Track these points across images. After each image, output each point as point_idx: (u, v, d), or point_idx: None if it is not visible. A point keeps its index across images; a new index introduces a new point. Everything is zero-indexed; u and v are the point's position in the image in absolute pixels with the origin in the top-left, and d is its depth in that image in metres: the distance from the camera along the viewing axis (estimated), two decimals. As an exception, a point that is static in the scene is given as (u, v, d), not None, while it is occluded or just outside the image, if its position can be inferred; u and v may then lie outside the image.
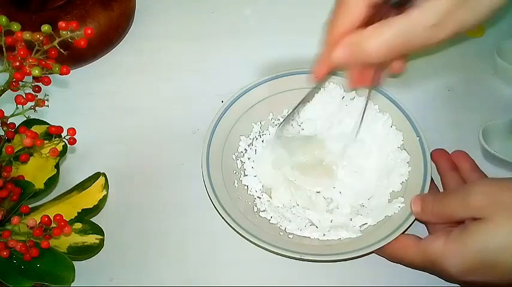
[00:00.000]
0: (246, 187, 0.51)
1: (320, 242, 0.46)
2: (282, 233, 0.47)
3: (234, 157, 0.52)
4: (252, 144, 0.53)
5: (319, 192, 0.51)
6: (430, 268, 0.43)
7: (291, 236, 0.47)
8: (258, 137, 0.54)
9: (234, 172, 0.51)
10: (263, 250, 0.45)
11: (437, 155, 0.51)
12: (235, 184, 0.50)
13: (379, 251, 0.45)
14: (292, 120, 0.54)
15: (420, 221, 0.46)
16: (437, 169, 0.50)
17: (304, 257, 0.44)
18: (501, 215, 0.39)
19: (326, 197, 0.50)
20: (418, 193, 0.46)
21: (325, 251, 0.45)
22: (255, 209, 0.49)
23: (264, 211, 0.49)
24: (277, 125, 0.54)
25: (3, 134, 0.43)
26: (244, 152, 0.52)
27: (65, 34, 0.37)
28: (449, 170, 0.49)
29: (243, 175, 0.51)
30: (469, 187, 0.43)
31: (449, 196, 0.44)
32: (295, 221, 0.48)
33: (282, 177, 0.51)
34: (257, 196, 0.50)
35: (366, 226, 0.47)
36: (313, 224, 0.48)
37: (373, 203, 0.49)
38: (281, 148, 0.52)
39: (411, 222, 0.45)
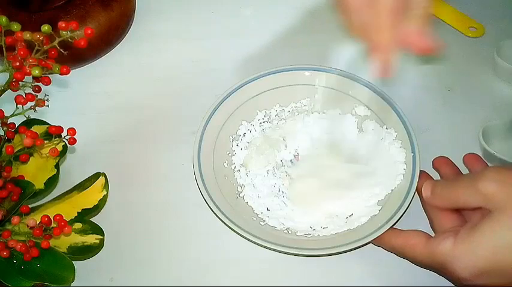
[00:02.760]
0: (233, 167, 0.52)
1: (297, 237, 0.47)
2: (262, 224, 0.48)
3: (231, 139, 0.53)
4: (251, 129, 0.54)
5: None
6: (438, 269, 0.41)
7: (270, 228, 0.48)
8: (260, 124, 0.55)
9: (227, 152, 0.53)
10: (251, 242, 0.46)
11: (439, 163, 0.50)
12: (225, 164, 0.52)
13: (388, 249, 0.45)
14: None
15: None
16: (440, 177, 0.49)
17: (286, 251, 0.44)
18: (510, 207, 0.37)
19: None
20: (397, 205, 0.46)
21: (302, 245, 0.45)
22: (238, 191, 0.51)
23: (244, 194, 0.50)
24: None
25: (3, 134, 0.43)
26: (242, 135, 0.54)
27: (65, 34, 0.37)
28: (453, 175, 0.48)
29: (232, 155, 0.53)
30: (479, 173, 0.40)
31: (458, 180, 0.42)
32: (277, 213, 0.49)
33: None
34: (237, 169, 0.52)
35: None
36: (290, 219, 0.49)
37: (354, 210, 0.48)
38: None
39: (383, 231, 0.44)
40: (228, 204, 0.48)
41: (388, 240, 0.44)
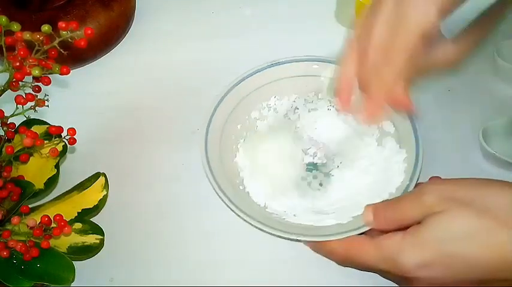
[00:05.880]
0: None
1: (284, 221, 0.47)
2: (262, 206, 0.48)
3: (239, 127, 0.53)
4: (261, 116, 0.55)
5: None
6: (384, 264, 0.41)
7: (268, 210, 0.48)
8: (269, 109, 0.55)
9: (233, 137, 0.53)
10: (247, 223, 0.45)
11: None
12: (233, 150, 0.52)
13: (330, 255, 0.45)
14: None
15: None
16: None
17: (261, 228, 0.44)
18: (455, 209, 0.38)
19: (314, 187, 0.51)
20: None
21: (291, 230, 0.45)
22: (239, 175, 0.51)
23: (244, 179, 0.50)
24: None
25: (3, 134, 0.43)
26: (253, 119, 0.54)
27: (65, 34, 0.37)
28: None
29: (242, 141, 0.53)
30: (421, 188, 0.42)
31: (401, 199, 0.43)
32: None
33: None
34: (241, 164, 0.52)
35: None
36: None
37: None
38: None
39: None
40: (235, 192, 0.48)
41: (329, 244, 0.44)
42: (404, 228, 0.42)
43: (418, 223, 0.41)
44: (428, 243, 0.39)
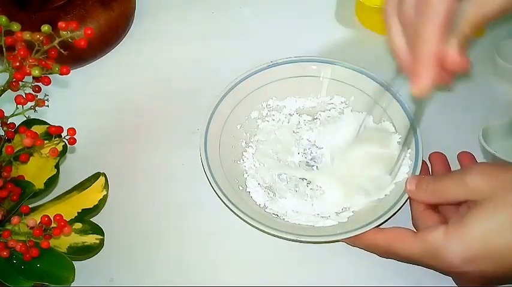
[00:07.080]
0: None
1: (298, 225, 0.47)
2: (267, 209, 0.48)
3: (238, 127, 0.53)
4: (260, 117, 0.55)
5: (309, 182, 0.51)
6: (429, 259, 0.41)
7: (272, 213, 0.48)
8: (268, 111, 0.55)
9: (233, 137, 0.53)
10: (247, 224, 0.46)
11: (435, 158, 0.50)
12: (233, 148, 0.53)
13: (372, 248, 0.44)
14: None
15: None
16: (431, 172, 0.50)
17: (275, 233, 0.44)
18: (500, 196, 0.38)
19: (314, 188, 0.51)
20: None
21: (304, 232, 0.45)
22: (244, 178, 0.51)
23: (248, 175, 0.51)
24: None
25: (3, 134, 0.43)
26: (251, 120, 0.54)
27: (65, 34, 0.37)
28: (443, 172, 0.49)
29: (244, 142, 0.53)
30: (467, 168, 0.42)
31: (446, 175, 0.43)
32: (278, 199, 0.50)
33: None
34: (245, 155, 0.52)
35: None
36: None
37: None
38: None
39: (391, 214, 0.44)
40: (235, 192, 0.48)
41: (371, 237, 0.43)
42: (444, 204, 0.42)
43: (459, 203, 0.41)
44: (473, 237, 0.38)
